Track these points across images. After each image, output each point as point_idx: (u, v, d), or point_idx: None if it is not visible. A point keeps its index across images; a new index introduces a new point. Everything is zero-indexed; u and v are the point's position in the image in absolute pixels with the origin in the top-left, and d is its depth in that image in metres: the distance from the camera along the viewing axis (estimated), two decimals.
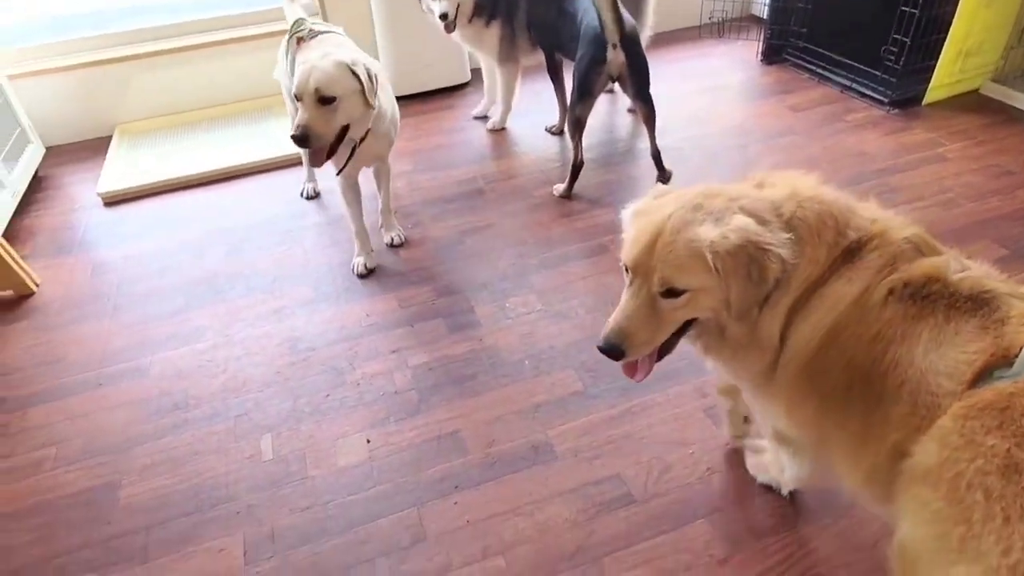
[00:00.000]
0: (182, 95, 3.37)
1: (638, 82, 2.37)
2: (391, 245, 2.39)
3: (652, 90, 2.41)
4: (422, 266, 2.29)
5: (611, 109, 3.24)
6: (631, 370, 1.20)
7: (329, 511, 1.53)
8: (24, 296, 2.27)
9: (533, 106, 3.22)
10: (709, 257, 1.02)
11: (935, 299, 0.97)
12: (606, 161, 2.78)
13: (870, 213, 1.10)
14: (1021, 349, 0.88)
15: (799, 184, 1.12)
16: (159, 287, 2.29)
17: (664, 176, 2.56)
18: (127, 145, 3.15)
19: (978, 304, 0.95)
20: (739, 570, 1.35)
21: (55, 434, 1.77)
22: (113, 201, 2.78)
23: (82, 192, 2.89)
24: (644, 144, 2.71)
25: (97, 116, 3.27)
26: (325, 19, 3.36)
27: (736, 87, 3.34)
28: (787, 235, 1.04)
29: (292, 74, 2.02)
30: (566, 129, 2.55)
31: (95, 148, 3.17)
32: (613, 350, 1.11)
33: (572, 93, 2.43)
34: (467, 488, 1.55)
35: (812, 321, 1.05)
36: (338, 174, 2.12)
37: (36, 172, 2.92)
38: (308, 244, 2.46)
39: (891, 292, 1.00)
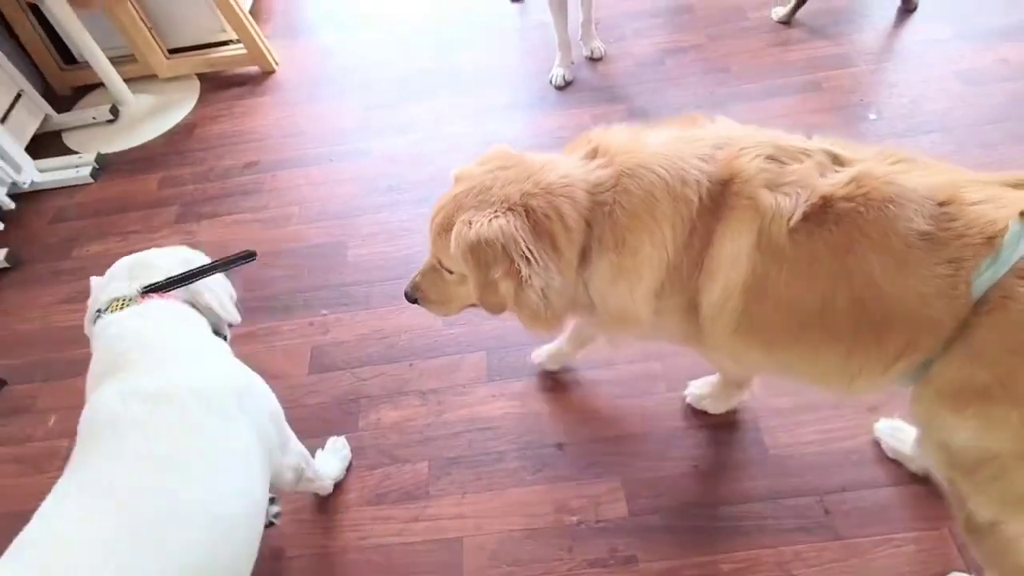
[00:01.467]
0: None
1: None
2: (590, 58, 2.39)
3: None
4: (618, 83, 2.29)
5: None
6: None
7: None
8: (267, 73, 2.59)
9: None
10: (452, 246, 1.03)
11: (849, 216, 0.90)
12: None
13: (708, 147, 0.98)
14: (1003, 234, 0.83)
15: (624, 155, 1.01)
16: (376, 78, 2.49)
17: (909, 5, 2.26)
18: None
19: (898, 204, 0.88)
20: None
21: (298, 196, 2.12)
22: None
23: None
24: None
25: None
26: None
27: None
28: (537, 244, 1.00)
29: None
30: None
31: None
32: (407, 297, 1.20)
33: None
34: None
35: (720, 283, 0.99)
36: None
37: None
38: (510, 49, 2.51)
39: (793, 230, 0.92)
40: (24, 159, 2.28)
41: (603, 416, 1.52)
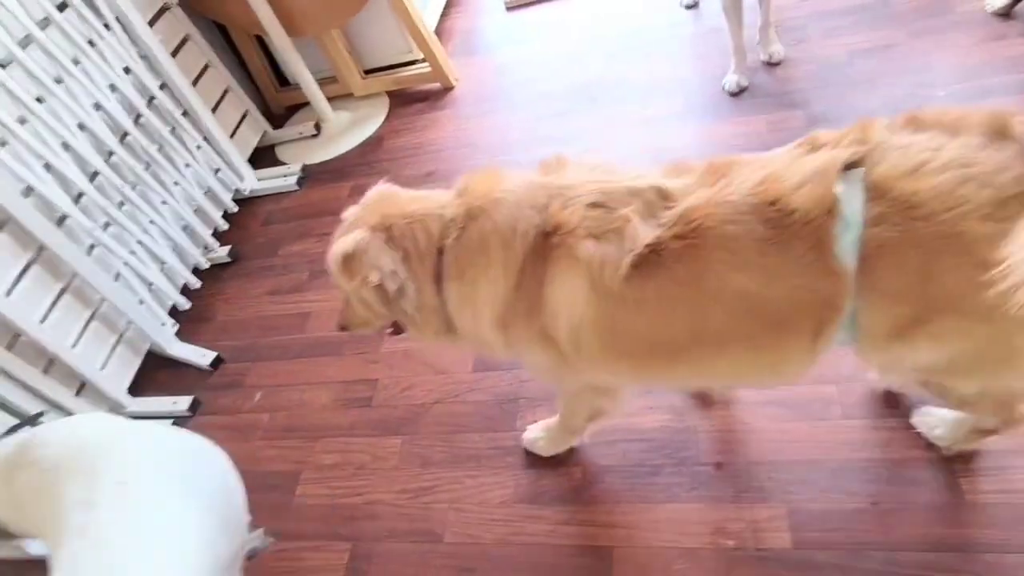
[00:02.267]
0: None
1: None
2: (769, 63, 2.27)
3: None
4: (799, 88, 2.15)
5: None
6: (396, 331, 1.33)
7: None
8: (447, 89, 2.77)
9: None
10: (329, 268, 1.16)
11: (688, 251, 0.95)
12: None
13: (545, 196, 1.06)
14: (836, 201, 0.89)
15: (476, 198, 1.10)
16: (547, 90, 2.57)
17: None
18: None
19: (735, 222, 0.93)
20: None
21: None
22: (513, 6, 3.09)
23: None
24: None
25: None
26: None
27: None
28: (392, 255, 1.11)
29: None
30: None
31: None
32: (339, 328, 1.32)
33: None
34: None
35: (565, 322, 1.06)
36: None
37: None
38: (681, 56, 2.47)
39: (628, 276, 0.98)
40: (246, 169, 2.64)
41: (767, 438, 1.44)
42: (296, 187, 2.63)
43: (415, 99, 2.81)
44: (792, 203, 0.91)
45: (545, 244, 1.04)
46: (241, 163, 2.61)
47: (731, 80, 2.22)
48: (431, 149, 2.55)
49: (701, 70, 2.37)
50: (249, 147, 2.72)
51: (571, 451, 1.53)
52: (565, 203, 1.04)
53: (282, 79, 3.02)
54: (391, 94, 2.88)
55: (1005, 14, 2.07)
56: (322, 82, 2.80)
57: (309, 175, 2.67)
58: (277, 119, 2.99)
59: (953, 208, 0.85)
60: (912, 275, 0.90)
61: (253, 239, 2.49)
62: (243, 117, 2.71)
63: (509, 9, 3.08)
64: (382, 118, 2.79)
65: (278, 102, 3.05)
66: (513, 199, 1.08)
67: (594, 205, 1.02)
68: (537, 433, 1.55)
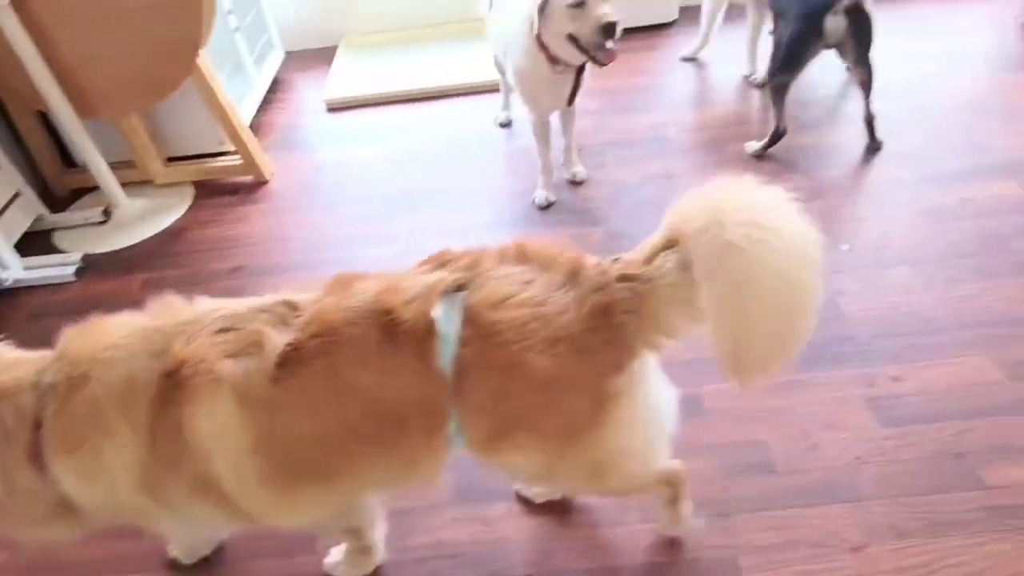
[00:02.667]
0: (404, 13, 3.60)
1: (859, 49, 2.19)
2: (572, 181, 2.49)
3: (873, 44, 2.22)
4: (598, 207, 2.37)
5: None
6: None
7: None
8: (261, 183, 2.67)
9: (740, 54, 3.07)
10: None
11: (322, 349, 1.00)
12: (806, 122, 2.62)
13: (163, 339, 1.04)
14: (434, 319, 1.00)
15: (76, 362, 1.03)
16: (364, 192, 2.58)
17: (875, 145, 2.39)
18: (350, 57, 3.47)
19: (356, 324, 1.01)
20: (869, 562, 1.35)
21: None
22: (335, 108, 3.12)
23: (310, 97, 3.25)
24: (852, 107, 2.52)
25: (330, 26, 3.61)
26: None
27: (980, 53, 2.94)
28: None
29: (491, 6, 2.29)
30: (769, 93, 2.42)
31: (324, 57, 3.51)
32: None
33: (774, 58, 2.29)
34: None
35: (221, 458, 1.02)
36: (570, 104, 2.27)
37: (276, 75, 3.33)
38: (495, 170, 2.62)
39: (275, 377, 1.00)
40: (11, 256, 2.29)
41: (575, 546, 1.44)
42: (74, 278, 2.32)
43: (225, 191, 2.67)
44: (402, 315, 1.00)
45: (174, 385, 1.00)
46: (4, 249, 2.27)
47: (540, 195, 2.39)
48: (240, 243, 2.41)
49: (513, 184, 2.53)
50: (17, 231, 2.39)
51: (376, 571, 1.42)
52: (188, 339, 1.02)
53: (68, 159, 2.73)
54: (197, 184, 2.71)
55: (760, 156, 2.47)
56: (116, 166, 2.57)
57: (91, 265, 2.38)
58: (59, 202, 2.68)
59: (521, 341, 0.98)
60: (491, 393, 1.02)
61: (15, 335, 2.12)
62: (12, 198, 2.39)
63: (331, 110, 3.11)
64: (185, 208, 2.60)
65: (62, 183, 2.74)
66: (124, 354, 1.03)
67: (222, 331, 1.03)
68: (336, 558, 1.42)
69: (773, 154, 2.47)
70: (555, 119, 2.42)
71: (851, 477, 1.50)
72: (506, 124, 2.86)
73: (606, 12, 1.92)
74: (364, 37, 3.60)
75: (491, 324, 0.99)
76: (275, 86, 3.33)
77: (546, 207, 2.38)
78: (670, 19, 3.44)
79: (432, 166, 2.68)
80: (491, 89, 3.04)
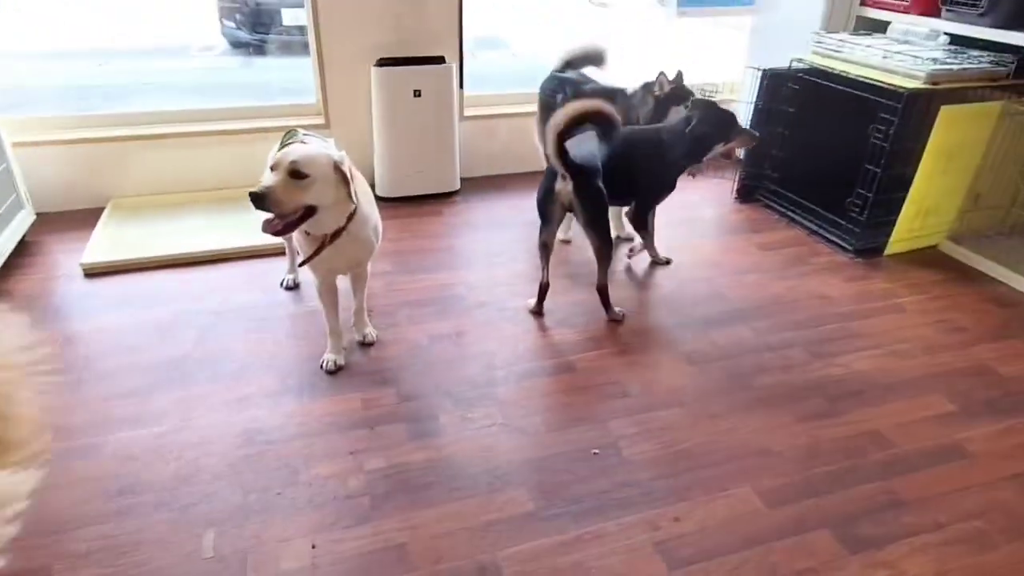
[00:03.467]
0: (175, 177, 3.48)
1: (585, 215, 2.42)
2: (362, 343, 2.43)
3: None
4: (390, 368, 2.32)
5: None
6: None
7: None
8: None
9: (518, 218, 3.37)
10: None
11: None
12: (580, 281, 2.88)
13: None
14: None
15: None
16: (126, 364, 2.28)
17: (612, 316, 2.60)
18: (116, 219, 3.23)
19: None
20: None
21: None
22: (93, 273, 2.82)
23: (66, 261, 2.92)
24: (622, 269, 2.84)
25: (92, 188, 3.36)
26: (328, 123, 3.57)
27: (709, 221, 3.53)
28: None
29: None
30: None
31: (86, 219, 3.23)
32: None
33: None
34: None
35: None
36: (301, 264, 2.22)
37: (23, 237, 2.97)
38: (280, 335, 2.49)
39: None
40: None
41: None
42: None
43: None
44: None
45: None
46: None
47: (328, 359, 2.29)
48: None
49: (299, 349, 2.41)
50: None
51: None
52: None
53: None
54: None
55: (537, 312, 2.63)
56: None
57: None
58: None
59: None
60: None
61: None
62: None
63: (88, 276, 2.80)
64: None
65: None
66: None
67: None
68: None
69: (551, 309, 2.65)
70: (346, 281, 2.39)
71: None
72: (292, 287, 2.77)
73: (260, 182, 1.92)
74: (133, 199, 3.40)
75: None
76: (23, 249, 2.96)
77: (335, 371, 2.28)
78: (454, 188, 3.72)
79: (208, 333, 2.47)
80: (276, 252, 2.98)
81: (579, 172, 2.35)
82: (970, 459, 1.98)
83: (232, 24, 7.09)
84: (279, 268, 2.86)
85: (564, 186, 2.37)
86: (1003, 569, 1.64)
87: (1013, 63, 2.92)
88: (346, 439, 2.00)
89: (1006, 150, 3.00)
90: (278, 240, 2.87)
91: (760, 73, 3.50)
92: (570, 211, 2.46)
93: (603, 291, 2.59)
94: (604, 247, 2.50)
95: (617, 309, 2.61)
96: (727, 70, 4.15)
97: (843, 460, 1.96)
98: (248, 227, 3.14)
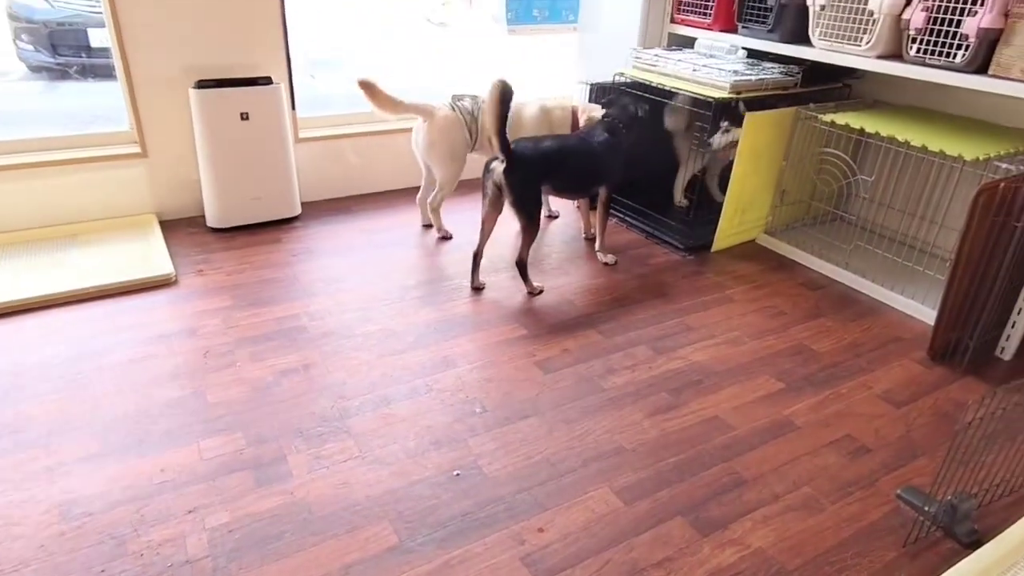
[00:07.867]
0: None
1: (511, 195, 2.74)
2: None
3: None
4: (232, 411, 2.14)
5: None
6: None
7: None
8: None
9: (367, 240, 3.26)
10: None
11: None
12: (430, 302, 2.84)
13: None
14: None
15: None
16: None
17: (531, 289, 2.91)
18: None
19: None
20: None
21: None
22: None
23: None
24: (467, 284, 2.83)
25: None
26: (144, 151, 3.27)
27: (554, 232, 3.64)
28: None
29: None
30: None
31: None
32: None
33: None
34: None
35: None
36: None
37: None
38: (101, 388, 2.22)
39: None
40: None
41: None
42: None
43: None
44: None
45: None
46: None
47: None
48: None
49: (126, 403, 2.15)
50: None
51: None
52: None
53: None
54: None
55: (477, 287, 2.56)
56: None
57: None
58: None
59: None
60: None
61: None
62: None
63: None
64: None
65: None
66: None
67: None
68: None
69: (401, 330, 2.59)
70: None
71: None
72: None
73: None
74: None
75: None
76: None
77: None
78: (295, 213, 3.55)
79: (7, 395, 2.15)
80: (81, 299, 2.66)
81: (510, 156, 2.67)
82: (797, 431, 2.17)
83: (29, 46, 6.33)
84: (84, 318, 2.55)
85: (498, 166, 2.71)
86: (830, 528, 1.80)
87: (799, 73, 3.28)
88: (182, 497, 1.80)
89: (802, 151, 3.37)
90: (100, 281, 2.57)
91: (588, 87, 3.67)
92: (499, 191, 2.75)
93: (522, 265, 2.91)
94: (529, 226, 2.83)
95: (536, 284, 2.93)
96: (562, 83, 4.33)
97: (689, 448, 2.07)
98: (58, 271, 2.81)
